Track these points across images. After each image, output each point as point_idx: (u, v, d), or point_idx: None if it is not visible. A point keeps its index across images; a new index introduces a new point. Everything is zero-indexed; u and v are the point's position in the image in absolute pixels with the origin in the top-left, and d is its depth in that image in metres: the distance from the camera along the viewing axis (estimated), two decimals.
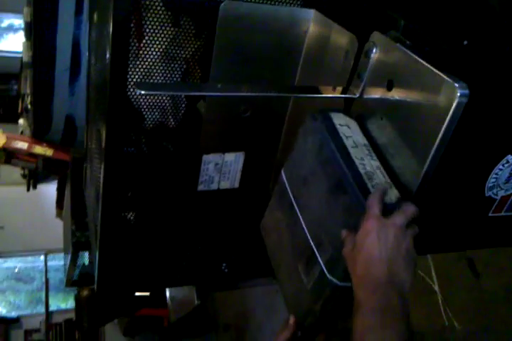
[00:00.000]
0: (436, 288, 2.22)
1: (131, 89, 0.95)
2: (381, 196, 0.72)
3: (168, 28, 0.98)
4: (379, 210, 0.71)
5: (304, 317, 0.92)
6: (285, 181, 0.92)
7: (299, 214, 0.88)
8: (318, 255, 0.81)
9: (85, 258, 2.75)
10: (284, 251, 0.95)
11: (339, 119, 0.81)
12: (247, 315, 5.08)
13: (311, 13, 0.91)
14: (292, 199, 0.90)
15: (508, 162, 0.90)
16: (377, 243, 0.69)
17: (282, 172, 0.94)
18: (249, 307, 5.05)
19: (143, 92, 0.60)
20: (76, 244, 2.34)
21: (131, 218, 1.17)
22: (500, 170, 0.91)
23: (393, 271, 0.69)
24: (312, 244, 0.83)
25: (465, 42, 0.84)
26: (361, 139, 0.81)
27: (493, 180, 0.94)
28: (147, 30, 0.96)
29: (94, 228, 1.12)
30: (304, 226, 0.86)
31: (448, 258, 2.16)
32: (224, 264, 1.23)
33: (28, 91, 3.08)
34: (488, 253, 1.97)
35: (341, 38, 0.85)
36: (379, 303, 0.68)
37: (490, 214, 1.00)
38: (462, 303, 2.16)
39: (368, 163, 0.76)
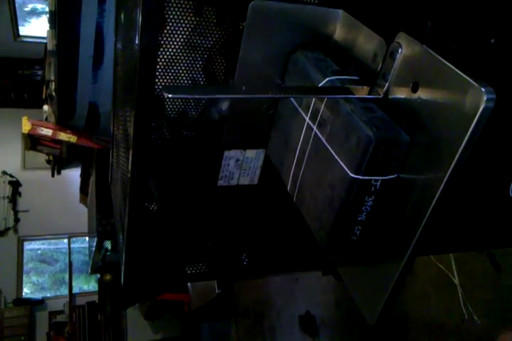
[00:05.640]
0: (456, 281, 2.21)
1: (156, 79, 0.97)
2: None
3: (189, 17, 0.98)
4: None
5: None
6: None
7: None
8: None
9: (108, 244, 2.80)
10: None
11: None
12: (267, 302, 5.13)
13: (339, 14, 0.90)
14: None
15: None
16: None
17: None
18: (268, 293, 5.11)
19: (170, 96, 0.61)
20: (101, 233, 2.38)
21: (154, 209, 1.18)
22: None
23: None
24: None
25: (492, 41, 0.82)
26: None
27: None
28: (169, 18, 0.97)
29: (121, 223, 1.14)
30: None
31: (469, 252, 2.15)
32: (243, 256, 1.25)
33: (53, 78, 3.12)
34: (510, 248, 1.96)
35: (369, 41, 0.83)
36: None
37: None
38: (482, 297, 2.15)
39: None
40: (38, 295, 7.36)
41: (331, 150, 0.84)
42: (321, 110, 0.85)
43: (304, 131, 0.92)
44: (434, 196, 0.74)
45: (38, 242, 7.92)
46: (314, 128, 0.88)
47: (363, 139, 0.75)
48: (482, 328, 2.15)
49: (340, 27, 0.92)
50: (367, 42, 0.84)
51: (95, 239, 2.56)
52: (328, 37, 0.92)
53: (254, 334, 5.42)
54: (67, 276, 7.38)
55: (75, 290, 7.35)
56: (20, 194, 7.40)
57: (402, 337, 2.71)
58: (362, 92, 0.81)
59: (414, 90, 0.76)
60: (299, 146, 0.95)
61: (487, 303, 2.15)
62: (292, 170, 0.98)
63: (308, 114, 0.89)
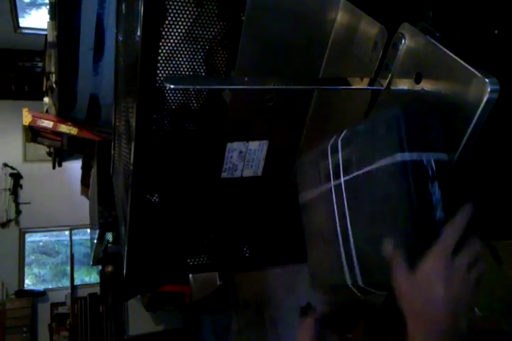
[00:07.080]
0: None
1: (157, 71, 0.97)
2: (460, 230, 0.66)
3: (191, 9, 0.98)
4: (451, 247, 0.66)
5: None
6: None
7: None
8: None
9: (110, 236, 2.81)
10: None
11: None
12: (267, 294, 5.14)
13: (340, 2, 0.89)
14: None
15: None
16: (443, 286, 0.65)
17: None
18: (269, 286, 5.11)
19: (172, 86, 0.61)
20: (103, 224, 2.38)
21: (156, 200, 1.18)
22: None
23: (454, 317, 0.66)
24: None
25: (496, 32, 0.82)
26: None
27: None
28: (170, 10, 0.96)
29: (123, 214, 1.14)
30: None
31: None
32: (245, 247, 1.25)
33: (53, 70, 3.11)
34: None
35: (370, 29, 0.83)
36: None
37: None
38: (483, 289, 2.14)
39: None
40: (40, 287, 7.38)
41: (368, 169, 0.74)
42: (340, 159, 0.78)
43: (334, 200, 0.83)
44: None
45: (39, 234, 7.93)
46: (342, 180, 0.79)
47: (391, 118, 0.68)
48: (482, 320, 2.16)
49: (340, 16, 0.92)
50: (367, 31, 0.83)
51: (97, 231, 2.57)
52: (328, 26, 0.91)
53: (255, 326, 5.44)
54: (68, 268, 7.39)
55: (77, 281, 7.37)
56: (21, 186, 7.40)
57: (403, 329, 2.71)
58: (364, 84, 0.81)
59: (418, 81, 0.75)
60: (337, 219, 0.84)
61: (488, 295, 2.15)
62: (342, 252, 0.85)
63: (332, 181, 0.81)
